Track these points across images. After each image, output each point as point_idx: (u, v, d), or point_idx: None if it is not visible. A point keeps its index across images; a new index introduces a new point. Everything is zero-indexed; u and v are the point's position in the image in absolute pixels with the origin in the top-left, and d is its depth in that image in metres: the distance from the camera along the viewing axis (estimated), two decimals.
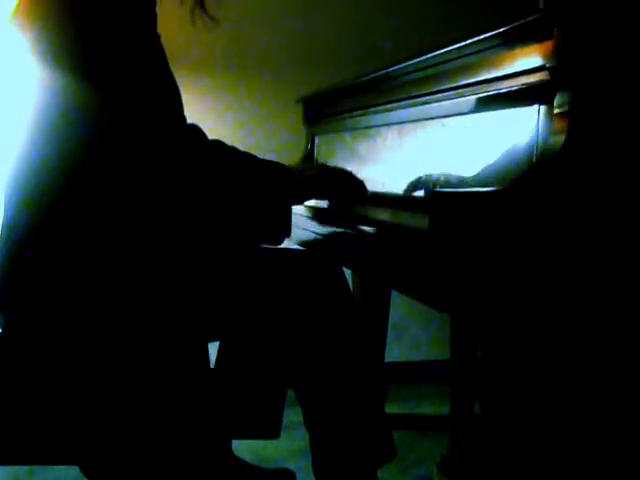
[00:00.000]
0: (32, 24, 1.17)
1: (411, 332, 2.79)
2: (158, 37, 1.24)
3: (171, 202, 1.21)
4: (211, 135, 1.26)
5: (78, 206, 1.18)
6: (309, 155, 2.01)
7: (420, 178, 1.34)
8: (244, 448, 1.72)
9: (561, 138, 0.98)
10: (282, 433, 1.36)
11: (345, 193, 1.43)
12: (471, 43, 1.18)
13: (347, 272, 1.38)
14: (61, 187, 1.17)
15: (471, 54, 1.21)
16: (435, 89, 1.34)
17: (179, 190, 1.20)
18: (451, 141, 1.28)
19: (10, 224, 1.21)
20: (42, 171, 1.18)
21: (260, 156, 1.28)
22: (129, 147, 1.16)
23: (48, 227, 1.18)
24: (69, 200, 1.18)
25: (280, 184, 1.26)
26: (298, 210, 1.67)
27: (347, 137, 1.75)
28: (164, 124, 1.18)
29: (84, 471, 1.29)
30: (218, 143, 1.24)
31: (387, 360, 2.19)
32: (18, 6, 1.20)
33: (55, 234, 1.18)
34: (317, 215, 1.58)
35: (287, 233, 1.27)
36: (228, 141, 1.26)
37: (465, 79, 1.24)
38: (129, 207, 1.19)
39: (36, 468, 1.99)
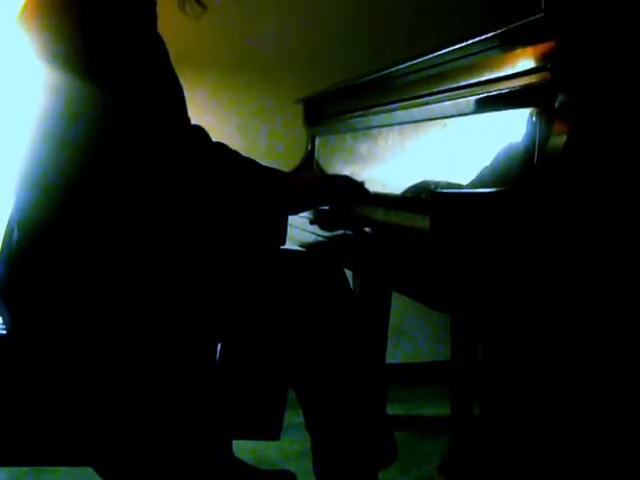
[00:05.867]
0: (37, 26, 1.18)
1: (411, 333, 2.78)
2: (160, 38, 1.24)
3: (174, 203, 1.21)
4: (212, 135, 1.26)
5: (83, 207, 1.18)
6: (309, 156, 2.01)
7: (422, 181, 1.33)
8: (245, 449, 1.72)
9: (562, 139, 0.98)
10: (283, 434, 1.36)
11: (347, 199, 1.43)
12: (472, 43, 1.18)
13: (348, 273, 1.38)
14: (66, 188, 1.18)
15: (472, 54, 1.20)
16: (436, 90, 1.34)
17: (181, 191, 1.20)
18: (452, 142, 1.27)
19: (17, 225, 1.22)
20: (47, 173, 1.18)
21: (261, 157, 1.28)
22: (132, 148, 1.17)
23: (54, 228, 1.18)
24: (74, 201, 1.18)
25: (278, 192, 1.27)
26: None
27: (348, 137, 1.75)
28: (168, 126, 1.19)
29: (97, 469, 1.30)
30: (221, 146, 1.25)
31: (387, 361, 2.19)
32: (24, 8, 1.20)
33: (61, 235, 1.18)
34: (318, 217, 1.58)
35: (281, 241, 1.28)
36: (229, 142, 1.26)
37: (466, 80, 1.23)
38: (133, 208, 1.19)
39: (36, 469, 1.99)
